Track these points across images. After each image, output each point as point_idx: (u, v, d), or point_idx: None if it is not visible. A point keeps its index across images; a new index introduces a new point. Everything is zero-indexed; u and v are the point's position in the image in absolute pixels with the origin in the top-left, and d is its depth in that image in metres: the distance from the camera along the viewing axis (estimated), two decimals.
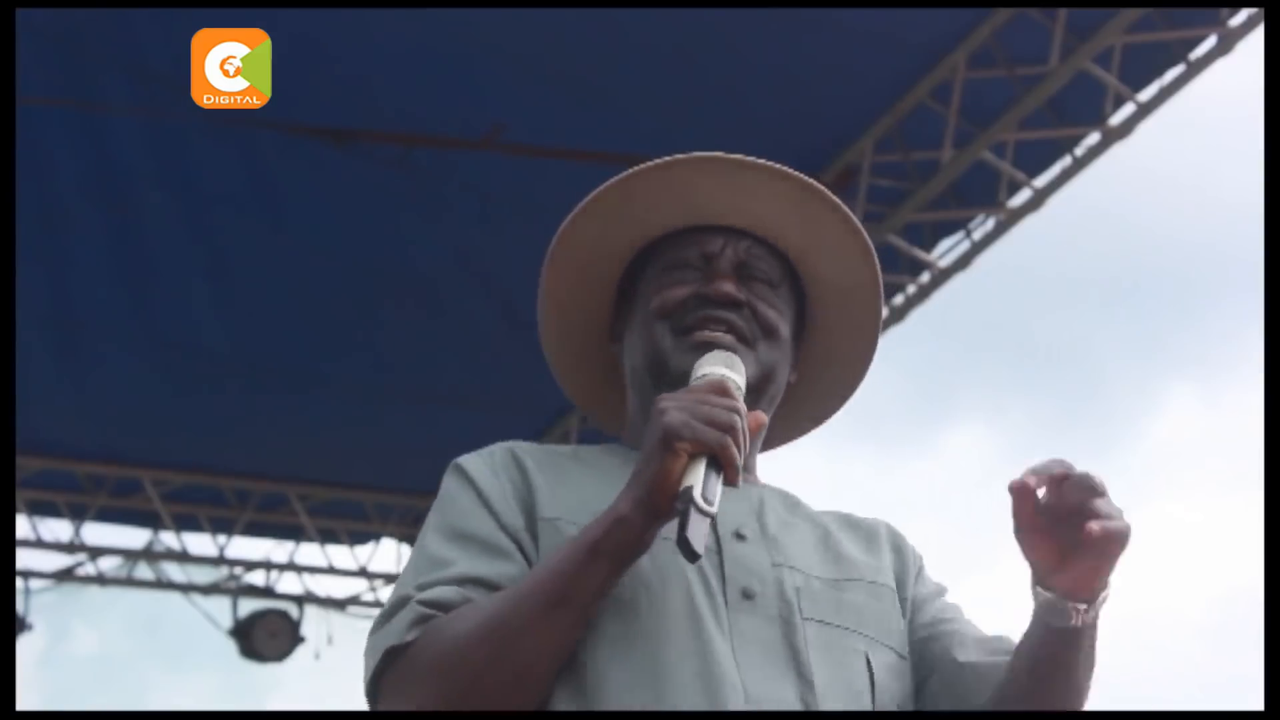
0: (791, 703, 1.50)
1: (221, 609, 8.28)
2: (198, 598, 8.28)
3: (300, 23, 4.82)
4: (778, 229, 1.72)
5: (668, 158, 1.70)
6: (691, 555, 1.37)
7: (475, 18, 5.12)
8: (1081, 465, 1.50)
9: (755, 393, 1.65)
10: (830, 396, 1.85)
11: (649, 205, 1.71)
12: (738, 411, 1.46)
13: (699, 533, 1.38)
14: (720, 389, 1.49)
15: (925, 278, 6.38)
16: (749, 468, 1.73)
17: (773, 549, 1.61)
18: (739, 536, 1.61)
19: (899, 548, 1.75)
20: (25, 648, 8.24)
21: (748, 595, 1.55)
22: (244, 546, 8.26)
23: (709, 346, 1.62)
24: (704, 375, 1.55)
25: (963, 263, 6.28)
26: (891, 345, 6.75)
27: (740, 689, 1.47)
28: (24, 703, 8.05)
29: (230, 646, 8.22)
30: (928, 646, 1.65)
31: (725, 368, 1.57)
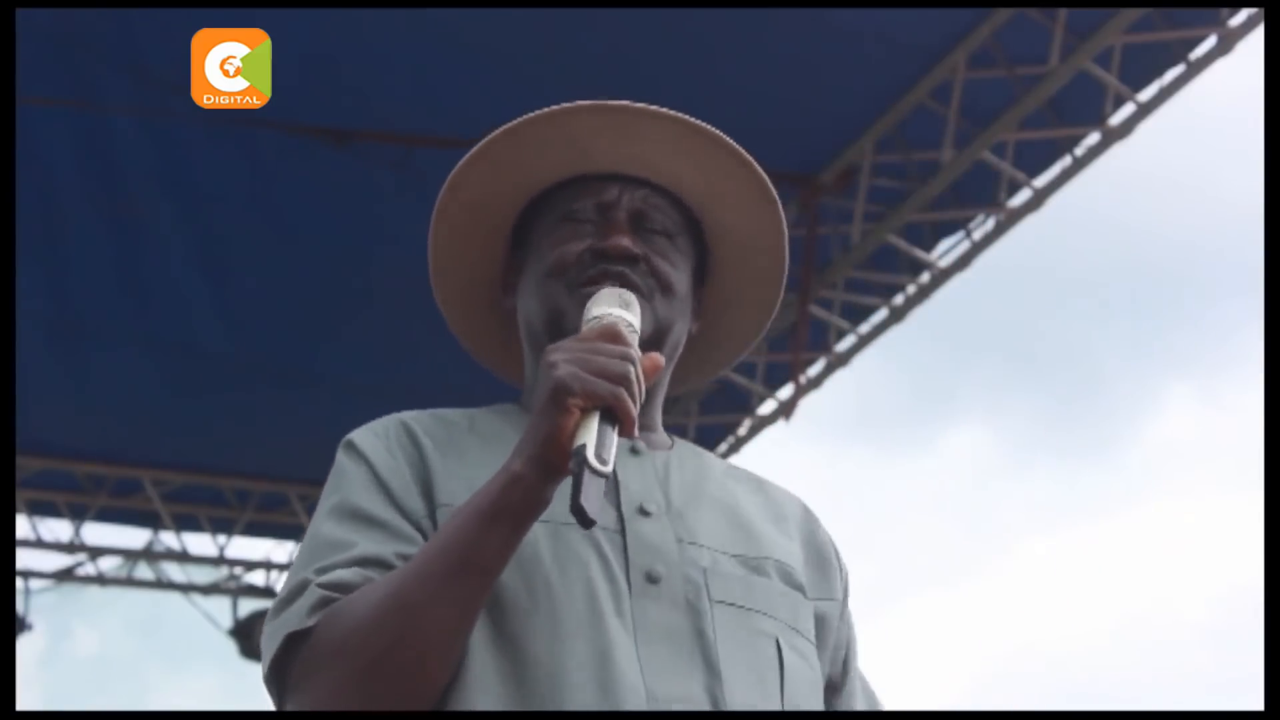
0: (698, 697, 1.45)
1: (221, 609, 8.28)
2: (198, 598, 8.28)
3: (300, 23, 4.83)
4: (676, 177, 1.67)
5: (558, 106, 1.66)
6: (586, 521, 1.31)
7: (476, 18, 5.13)
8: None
9: (652, 349, 1.58)
10: (730, 343, 1.81)
11: (539, 153, 1.66)
12: (631, 359, 1.40)
13: (594, 495, 1.32)
14: (611, 335, 1.43)
15: (925, 278, 6.38)
16: (651, 425, 1.68)
17: (678, 524, 1.56)
18: (643, 512, 1.55)
19: (816, 543, 1.69)
20: (26, 648, 8.25)
21: (652, 579, 1.50)
22: (244, 546, 8.27)
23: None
24: (595, 318, 1.50)
25: (963, 263, 6.28)
26: (891, 345, 6.76)
27: (641, 690, 1.42)
28: (25, 703, 8.05)
29: (230, 646, 8.22)
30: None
31: (619, 307, 1.52)
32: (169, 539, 8.09)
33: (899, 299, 6.48)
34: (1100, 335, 17.09)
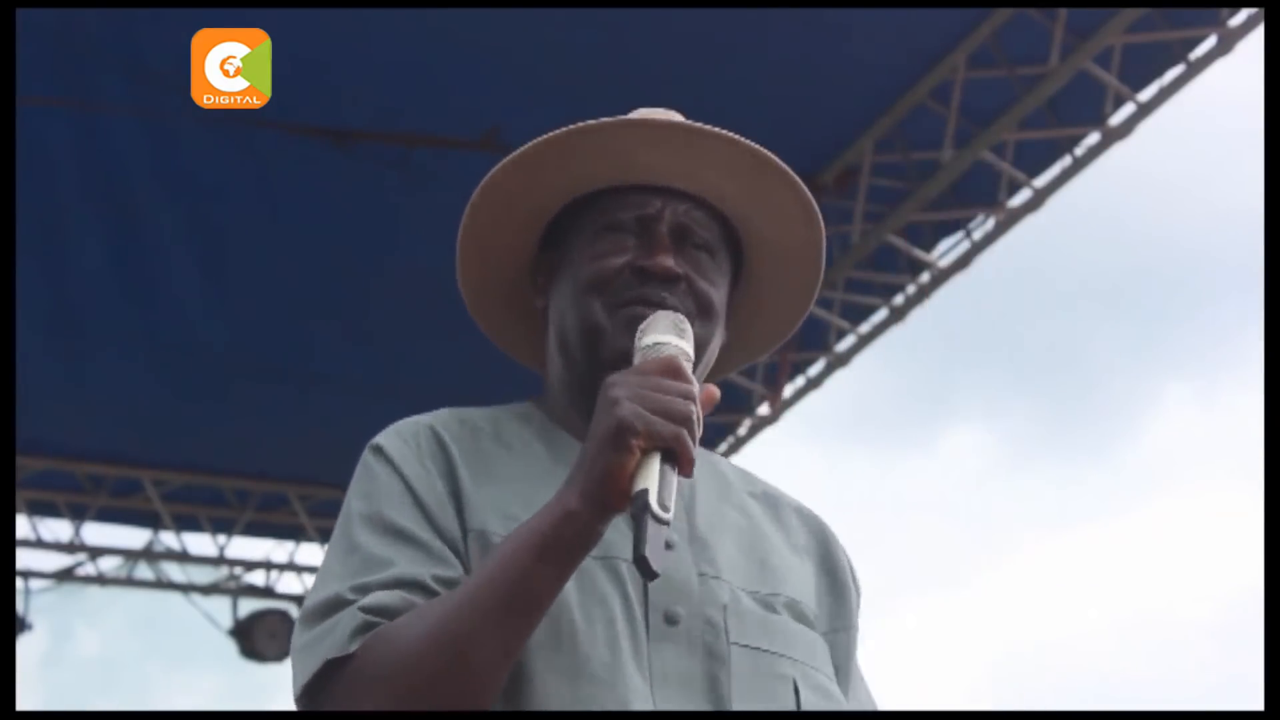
0: None
1: (221, 609, 8.28)
2: (198, 598, 8.28)
3: (300, 23, 4.82)
4: (719, 191, 1.64)
5: (605, 119, 1.63)
6: (650, 574, 1.28)
7: (475, 18, 5.13)
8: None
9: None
10: (751, 348, 1.79)
11: (584, 161, 1.64)
12: (692, 397, 1.37)
13: (657, 545, 1.29)
14: (673, 370, 1.40)
15: (925, 278, 6.38)
16: None
17: (700, 555, 1.55)
18: (666, 546, 1.49)
19: (831, 565, 1.68)
20: (28, 648, 8.25)
21: (671, 620, 1.49)
22: (244, 546, 8.27)
23: None
24: (652, 345, 1.46)
25: (963, 263, 6.28)
26: (891, 345, 6.76)
27: None
28: (28, 703, 8.05)
29: (230, 646, 8.22)
30: None
31: (674, 335, 1.48)
32: (169, 539, 8.09)
33: (899, 299, 6.48)
34: (1100, 335, 17.11)
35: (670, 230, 1.62)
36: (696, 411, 1.37)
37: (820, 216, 1.69)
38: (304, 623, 1.47)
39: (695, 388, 1.40)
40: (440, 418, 1.61)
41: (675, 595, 1.50)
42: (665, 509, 1.31)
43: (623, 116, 1.65)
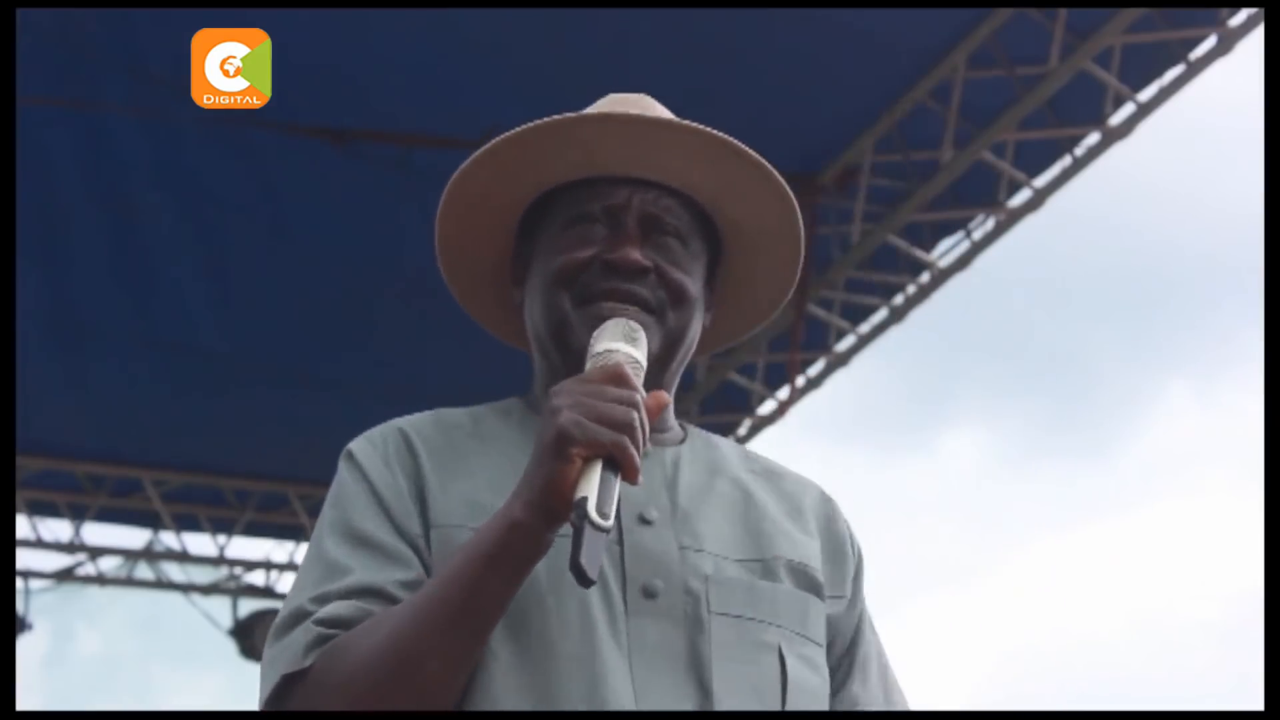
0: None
1: (221, 609, 8.28)
2: (198, 598, 8.28)
3: (300, 23, 4.83)
4: (686, 178, 1.64)
5: (569, 114, 1.62)
6: (585, 581, 1.30)
7: (475, 18, 5.13)
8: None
9: (663, 361, 1.59)
10: (743, 322, 1.78)
11: (548, 156, 1.63)
12: (635, 405, 1.38)
13: (594, 552, 1.30)
14: (616, 377, 1.41)
15: (925, 278, 6.38)
16: (661, 426, 1.65)
17: (682, 529, 1.54)
18: (643, 521, 1.53)
19: (833, 533, 1.66)
20: (28, 648, 8.25)
21: (649, 594, 1.48)
22: (244, 546, 8.27)
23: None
24: (601, 353, 1.47)
25: (962, 263, 6.28)
26: (890, 345, 6.77)
27: (633, 708, 1.43)
28: (30, 703, 8.05)
29: (230, 646, 8.22)
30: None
31: (624, 342, 1.49)
32: (169, 539, 8.09)
33: (899, 299, 6.48)
34: (1100, 335, 17.11)
35: (639, 220, 1.61)
36: (640, 418, 1.38)
37: (792, 195, 1.68)
38: (272, 636, 1.49)
39: (639, 395, 1.40)
40: (414, 420, 1.63)
41: (654, 568, 1.50)
42: (604, 516, 1.32)
43: (586, 110, 1.65)
